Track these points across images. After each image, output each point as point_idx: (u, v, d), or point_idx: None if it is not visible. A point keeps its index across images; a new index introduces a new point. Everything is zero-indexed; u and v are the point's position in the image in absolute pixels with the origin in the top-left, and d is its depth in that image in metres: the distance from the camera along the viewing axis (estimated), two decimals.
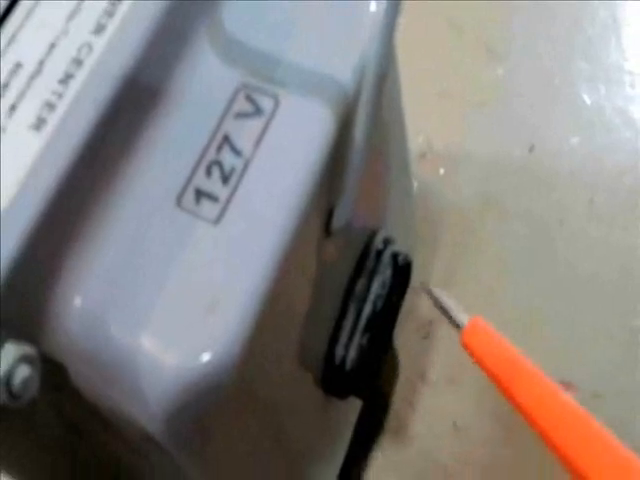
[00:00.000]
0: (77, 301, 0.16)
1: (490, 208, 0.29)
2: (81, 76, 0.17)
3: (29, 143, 0.17)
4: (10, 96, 0.17)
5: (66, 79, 0.17)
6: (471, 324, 0.23)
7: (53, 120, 0.17)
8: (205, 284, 0.16)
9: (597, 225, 0.28)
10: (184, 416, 0.16)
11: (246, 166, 0.17)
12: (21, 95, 0.17)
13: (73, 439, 0.18)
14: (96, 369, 0.16)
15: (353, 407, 0.28)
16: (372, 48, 0.17)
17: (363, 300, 0.19)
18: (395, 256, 0.19)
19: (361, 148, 0.17)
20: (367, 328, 0.19)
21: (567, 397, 0.22)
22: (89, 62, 0.17)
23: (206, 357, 0.16)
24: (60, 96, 0.17)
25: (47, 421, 0.17)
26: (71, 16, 0.18)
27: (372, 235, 0.20)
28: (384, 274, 0.19)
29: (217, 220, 0.17)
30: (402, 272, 0.20)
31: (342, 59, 0.18)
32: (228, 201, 0.17)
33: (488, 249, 0.28)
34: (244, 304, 0.16)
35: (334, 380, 0.19)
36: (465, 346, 0.23)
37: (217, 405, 0.16)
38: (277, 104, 0.18)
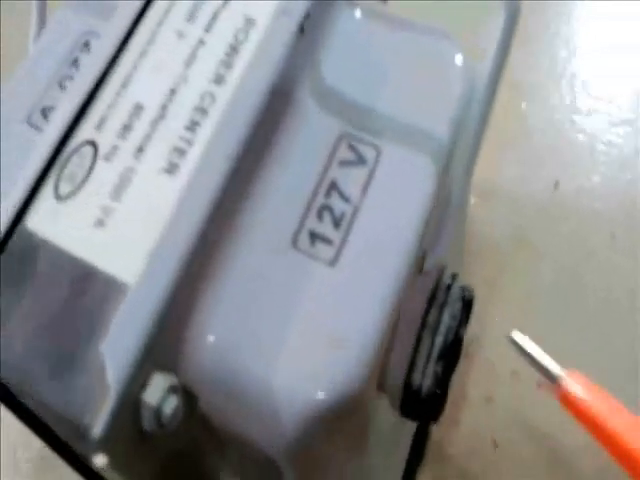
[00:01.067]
0: (210, 338, 0.17)
1: (519, 243, 0.31)
2: (208, 126, 0.18)
3: (163, 186, 0.18)
4: (135, 137, 0.18)
5: (192, 126, 0.18)
6: (569, 377, 0.23)
7: (186, 166, 0.18)
8: (328, 321, 0.18)
9: (622, 257, 0.31)
10: (307, 442, 0.18)
11: (355, 212, 0.19)
12: (147, 138, 0.18)
13: (183, 462, 0.19)
14: (226, 399, 0.17)
15: (411, 428, 0.30)
16: (470, 103, 0.19)
17: (435, 331, 0.21)
18: (464, 290, 0.21)
19: (460, 195, 0.19)
20: (440, 357, 0.21)
21: None
22: (214, 113, 0.18)
23: (335, 390, 0.17)
24: (189, 143, 0.18)
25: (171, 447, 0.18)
26: (188, 63, 0.19)
27: (442, 270, 0.22)
28: (453, 307, 0.21)
29: (333, 261, 0.18)
30: (469, 305, 0.22)
31: (435, 112, 0.20)
32: (342, 244, 0.18)
33: (517, 283, 0.31)
34: (366, 341, 0.17)
35: (412, 404, 0.20)
36: (563, 399, 0.23)
37: (337, 432, 0.18)
38: (379, 154, 0.19)
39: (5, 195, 0.19)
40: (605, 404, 0.22)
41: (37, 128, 0.21)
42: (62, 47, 0.23)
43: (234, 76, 0.19)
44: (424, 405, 0.21)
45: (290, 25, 0.19)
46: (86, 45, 0.22)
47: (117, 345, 0.16)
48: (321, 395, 0.17)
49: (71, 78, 0.22)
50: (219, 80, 0.19)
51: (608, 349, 0.30)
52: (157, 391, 0.16)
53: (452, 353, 0.21)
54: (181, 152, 0.18)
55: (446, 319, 0.21)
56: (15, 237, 0.18)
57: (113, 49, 0.19)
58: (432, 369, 0.21)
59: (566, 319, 0.31)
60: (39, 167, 0.18)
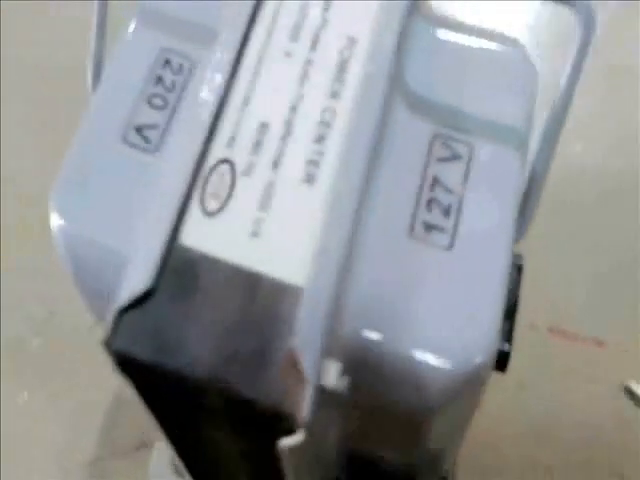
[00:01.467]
0: (360, 324, 0.19)
1: None
2: (335, 137, 0.20)
3: (306, 195, 0.19)
4: (268, 153, 0.20)
5: (320, 139, 0.20)
6: None
7: (322, 176, 0.20)
8: (457, 299, 0.20)
9: None
10: (452, 408, 0.20)
11: (460, 201, 0.21)
12: (279, 153, 0.20)
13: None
14: (382, 376, 0.20)
15: None
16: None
17: None
18: (516, 257, 0.24)
19: (543, 178, 0.22)
20: (507, 316, 0.24)
21: None
22: (337, 125, 0.20)
23: (477, 360, 0.20)
24: (321, 154, 0.20)
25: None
26: (301, 81, 0.21)
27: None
28: (512, 272, 0.24)
29: (449, 247, 0.21)
30: (520, 270, 0.25)
31: (513, 109, 0.22)
32: (454, 230, 0.21)
33: None
34: (492, 315, 0.20)
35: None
36: None
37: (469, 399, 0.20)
38: (471, 149, 0.22)
39: (141, 215, 0.20)
40: None
41: (135, 146, 0.22)
42: (141, 65, 0.23)
43: (348, 91, 0.21)
44: (502, 360, 0.24)
45: (391, 40, 0.21)
46: (167, 63, 0.23)
47: (306, 340, 0.18)
48: (463, 366, 0.20)
49: (160, 97, 0.23)
50: (335, 95, 0.21)
51: None
52: (333, 376, 0.18)
53: (513, 313, 0.25)
54: (315, 163, 0.20)
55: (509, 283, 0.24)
56: (173, 254, 0.19)
57: (227, 71, 0.21)
58: (503, 327, 0.24)
59: None
60: (183, 186, 0.19)
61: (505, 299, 0.22)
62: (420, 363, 0.20)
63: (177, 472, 0.31)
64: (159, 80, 0.23)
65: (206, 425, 0.20)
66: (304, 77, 0.21)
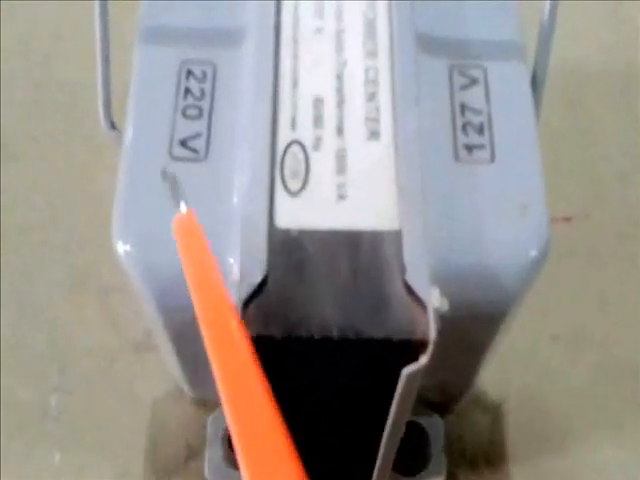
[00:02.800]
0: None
1: None
2: (384, 92, 0.23)
3: (375, 149, 0.22)
4: (330, 123, 0.22)
5: (372, 97, 0.23)
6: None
7: (384, 129, 0.22)
8: (512, 197, 0.23)
9: None
10: (519, 296, 0.24)
11: (489, 118, 0.24)
12: (340, 120, 0.22)
13: None
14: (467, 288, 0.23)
15: None
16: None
17: None
18: None
19: (544, 77, 0.25)
20: None
21: None
22: (383, 80, 0.23)
23: (539, 249, 0.23)
24: (377, 110, 0.22)
25: None
26: (338, 50, 0.23)
27: None
28: None
29: (492, 159, 0.24)
30: None
31: (508, 28, 0.25)
32: (492, 144, 0.24)
33: None
34: (542, 208, 0.24)
35: None
36: None
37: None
38: (485, 71, 0.25)
39: (230, 209, 0.22)
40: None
41: (184, 159, 0.24)
42: (165, 83, 0.25)
43: (382, 47, 0.23)
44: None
45: None
46: (190, 73, 0.25)
47: (416, 273, 0.21)
48: (533, 252, 0.23)
49: (193, 107, 0.24)
50: (371, 54, 0.23)
51: None
52: (437, 298, 0.22)
53: None
54: (374, 120, 0.23)
55: None
56: (274, 239, 0.21)
57: (269, 59, 0.23)
58: None
59: None
60: (264, 177, 0.22)
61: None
62: (494, 265, 0.23)
63: (233, 466, 0.32)
64: (187, 92, 0.25)
65: (324, 387, 0.23)
66: (339, 46, 0.23)
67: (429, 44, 0.25)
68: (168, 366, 0.30)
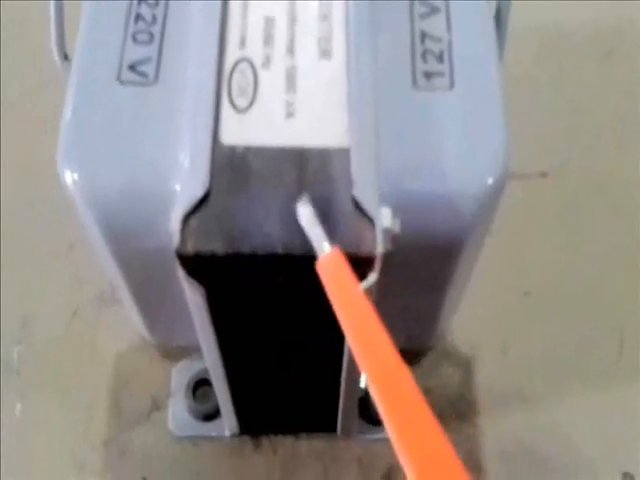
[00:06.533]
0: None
1: None
2: (337, 13, 0.22)
3: (326, 67, 0.22)
4: (280, 42, 0.22)
5: (325, 17, 0.22)
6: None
7: (336, 48, 0.22)
8: (469, 129, 0.23)
9: None
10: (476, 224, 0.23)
11: (449, 45, 0.24)
12: (291, 39, 0.22)
13: None
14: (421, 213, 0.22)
15: None
16: None
17: None
18: None
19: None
20: None
21: None
22: (336, 2, 0.22)
23: (490, 179, 0.22)
24: (330, 29, 0.22)
25: None
26: None
27: None
28: None
29: (451, 86, 0.23)
30: None
31: None
32: (451, 72, 0.24)
33: None
34: (500, 136, 0.23)
35: None
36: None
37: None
38: (447, 1, 0.24)
39: (179, 132, 0.22)
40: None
41: (133, 83, 0.23)
42: (116, 8, 0.24)
43: None
44: None
45: None
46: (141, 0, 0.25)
47: (364, 190, 0.20)
48: (489, 179, 0.23)
49: (144, 32, 0.24)
50: None
51: None
52: (388, 217, 0.21)
53: None
54: (326, 39, 0.22)
55: None
56: (218, 154, 0.21)
57: None
58: None
59: None
60: (210, 94, 0.21)
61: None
62: (450, 191, 0.23)
63: (196, 417, 0.32)
64: (138, 17, 0.24)
65: (273, 310, 0.23)
66: None
67: None
68: (129, 313, 0.30)
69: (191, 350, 0.31)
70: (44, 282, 0.34)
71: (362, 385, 0.28)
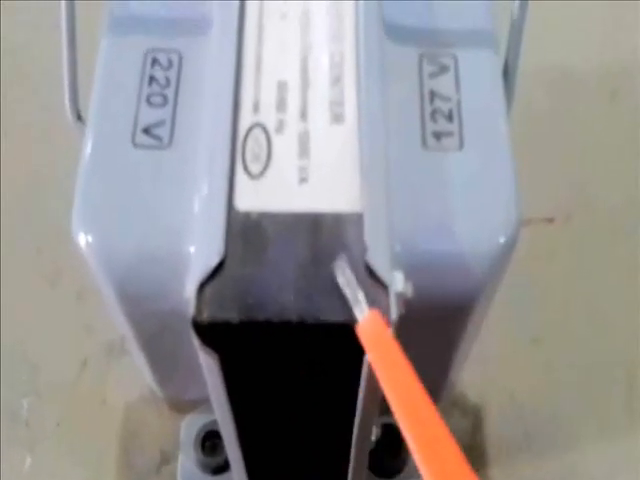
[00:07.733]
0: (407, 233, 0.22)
1: None
2: (349, 76, 0.22)
3: (338, 132, 0.22)
4: (294, 107, 0.22)
5: (336, 81, 0.22)
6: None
7: (348, 112, 0.22)
8: (479, 190, 0.23)
9: None
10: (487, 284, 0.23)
11: (459, 105, 0.24)
12: (303, 103, 0.22)
13: None
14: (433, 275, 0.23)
15: None
16: None
17: None
18: None
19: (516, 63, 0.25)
20: None
21: None
22: (347, 65, 0.23)
23: (502, 239, 0.23)
24: (341, 93, 0.22)
25: None
26: (303, 34, 0.23)
27: None
28: None
29: (460, 146, 0.24)
30: None
31: (479, 18, 0.25)
32: (460, 131, 0.24)
33: None
34: (511, 195, 0.23)
35: None
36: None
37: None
38: (456, 60, 0.25)
39: (193, 196, 0.22)
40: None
41: (147, 147, 0.23)
42: (130, 71, 0.24)
43: (347, 32, 0.23)
44: None
45: None
46: (155, 61, 0.25)
47: (377, 254, 0.20)
48: (501, 239, 0.23)
49: (158, 94, 0.24)
50: (338, 38, 0.23)
51: None
52: (401, 281, 0.21)
53: None
54: (338, 103, 0.22)
55: None
56: (233, 221, 0.21)
57: (233, 44, 0.23)
58: None
59: None
60: (225, 160, 0.22)
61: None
62: (463, 252, 0.23)
63: (205, 470, 0.32)
64: (152, 80, 0.24)
65: (287, 376, 0.23)
66: (305, 30, 0.23)
67: (398, 33, 0.25)
68: (139, 366, 0.30)
69: (200, 402, 0.31)
70: (53, 331, 0.34)
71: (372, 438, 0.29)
